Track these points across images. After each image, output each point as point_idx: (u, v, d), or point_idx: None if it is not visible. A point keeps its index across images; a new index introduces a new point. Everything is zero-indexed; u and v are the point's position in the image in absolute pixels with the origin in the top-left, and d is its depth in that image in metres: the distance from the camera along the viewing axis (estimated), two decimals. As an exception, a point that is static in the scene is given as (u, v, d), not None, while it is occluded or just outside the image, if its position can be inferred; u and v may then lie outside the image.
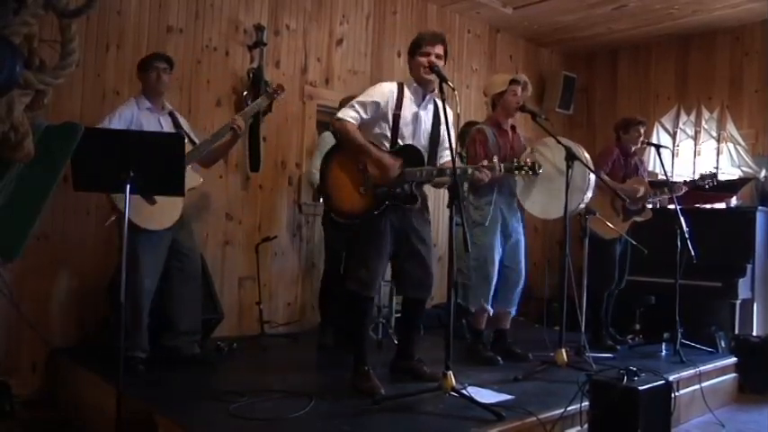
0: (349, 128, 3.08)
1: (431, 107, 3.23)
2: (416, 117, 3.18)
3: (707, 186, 4.65)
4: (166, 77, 3.58)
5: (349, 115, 3.08)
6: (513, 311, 4.05)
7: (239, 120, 3.65)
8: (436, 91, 3.12)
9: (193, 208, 3.72)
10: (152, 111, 3.57)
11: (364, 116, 3.10)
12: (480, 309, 3.89)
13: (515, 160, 3.20)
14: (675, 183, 4.68)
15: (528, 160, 3.15)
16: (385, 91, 3.14)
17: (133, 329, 3.38)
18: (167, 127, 3.60)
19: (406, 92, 3.17)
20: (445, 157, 3.23)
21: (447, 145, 3.11)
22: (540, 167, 3.12)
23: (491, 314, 3.93)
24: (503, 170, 3.13)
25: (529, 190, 3.93)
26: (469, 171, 3.18)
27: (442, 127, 3.16)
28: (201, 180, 3.67)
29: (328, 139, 4.10)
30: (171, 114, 3.68)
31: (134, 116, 3.50)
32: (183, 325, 3.59)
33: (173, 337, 3.57)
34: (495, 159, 3.20)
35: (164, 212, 3.40)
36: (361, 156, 3.09)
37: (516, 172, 3.14)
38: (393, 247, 3.16)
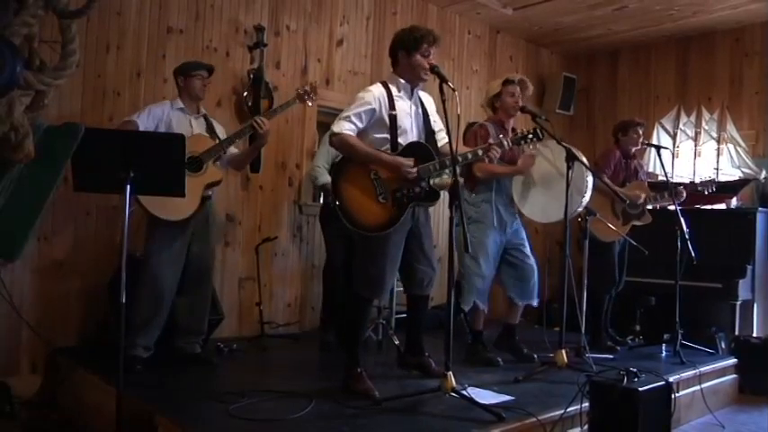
0: (350, 140, 2.98)
1: (419, 101, 3.21)
2: (410, 113, 3.14)
3: (706, 193, 4.65)
4: (206, 85, 3.72)
5: (346, 128, 2.98)
6: (535, 302, 4.03)
7: (263, 117, 3.64)
8: (420, 85, 3.16)
9: (217, 207, 3.77)
10: (184, 112, 3.63)
11: (360, 125, 3.02)
12: (474, 308, 3.89)
13: (518, 132, 3.41)
14: (676, 185, 4.68)
15: (530, 129, 3.34)
16: (376, 95, 3.04)
17: (147, 326, 3.41)
18: (199, 128, 3.64)
19: (393, 90, 3.09)
20: (442, 140, 3.19)
21: (440, 127, 3.23)
22: (543, 133, 3.32)
23: (486, 312, 3.93)
24: (511, 144, 3.29)
25: (527, 195, 3.93)
26: (480, 153, 3.19)
27: (431, 116, 3.23)
28: (221, 176, 3.68)
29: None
30: (205, 117, 3.72)
31: (165, 114, 3.56)
32: (188, 325, 3.62)
33: (176, 336, 3.59)
34: (502, 137, 3.31)
35: (182, 203, 3.35)
36: (372, 164, 3.01)
37: (523, 142, 3.34)
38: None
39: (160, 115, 3.54)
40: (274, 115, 3.78)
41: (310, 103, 3.94)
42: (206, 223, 3.66)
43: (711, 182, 4.70)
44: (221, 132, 3.76)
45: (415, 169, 2.99)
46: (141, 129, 3.43)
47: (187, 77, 3.65)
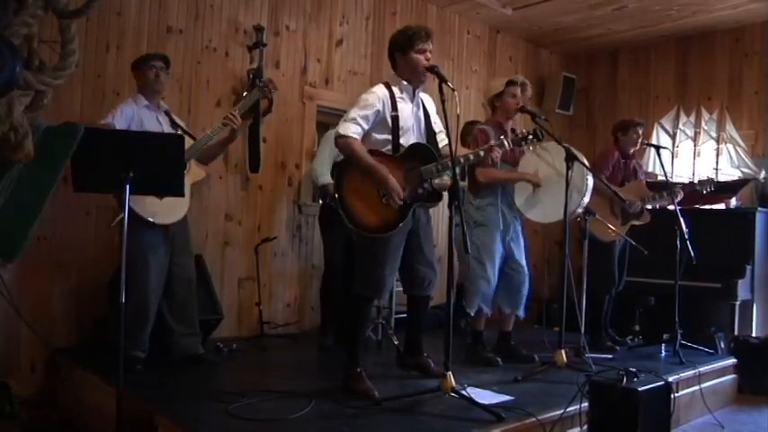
0: (355, 147, 2.96)
1: (420, 102, 3.22)
2: (412, 115, 3.14)
3: (704, 192, 4.65)
4: (164, 76, 3.61)
5: (352, 131, 2.97)
6: (521, 313, 4.02)
7: (234, 112, 3.60)
8: (422, 86, 3.16)
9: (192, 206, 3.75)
10: (150, 109, 3.58)
11: (366, 127, 3.01)
12: (478, 310, 3.89)
13: (518, 133, 3.41)
14: (675, 185, 4.68)
15: (530, 130, 3.33)
16: (380, 95, 3.05)
17: (137, 329, 3.39)
18: (165, 125, 3.62)
19: (395, 91, 3.10)
20: (443, 141, 3.20)
21: (440, 128, 3.22)
22: (542, 134, 3.30)
23: (489, 315, 3.93)
24: (511, 144, 3.29)
25: (529, 198, 3.92)
26: (481, 153, 3.20)
27: (432, 118, 3.24)
28: (204, 174, 3.69)
29: (331, 138, 4.09)
30: (167, 113, 3.68)
31: (134, 113, 3.51)
32: (183, 325, 3.61)
33: (176, 336, 3.58)
34: (503, 138, 3.32)
35: (171, 207, 3.41)
36: (369, 176, 2.99)
37: (523, 143, 3.31)
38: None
39: (131, 114, 3.48)
40: (243, 110, 3.71)
41: (268, 93, 3.87)
42: (184, 232, 3.65)
43: (710, 181, 4.70)
44: (184, 126, 3.73)
45: (401, 202, 2.97)
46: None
47: (139, 71, 3.58)
